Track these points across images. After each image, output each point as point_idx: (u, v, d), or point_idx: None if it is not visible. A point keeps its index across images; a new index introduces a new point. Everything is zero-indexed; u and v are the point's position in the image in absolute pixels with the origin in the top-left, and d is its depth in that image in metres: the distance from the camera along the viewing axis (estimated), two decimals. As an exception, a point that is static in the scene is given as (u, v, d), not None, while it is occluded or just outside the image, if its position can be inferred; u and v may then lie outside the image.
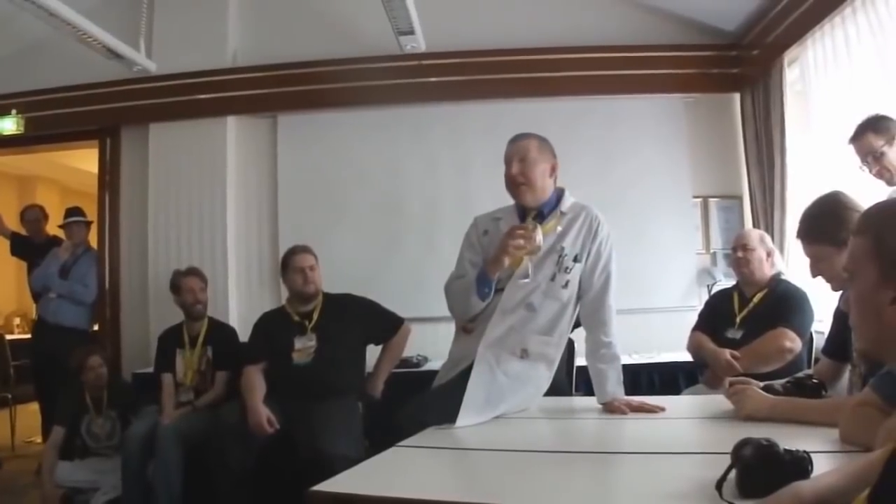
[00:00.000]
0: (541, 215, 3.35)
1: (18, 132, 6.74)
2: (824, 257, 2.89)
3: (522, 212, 3.39)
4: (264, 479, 4.26)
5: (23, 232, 7.24)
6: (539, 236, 3.13)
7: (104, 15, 5.96)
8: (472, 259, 3.41)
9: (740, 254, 4.28)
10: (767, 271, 4.25)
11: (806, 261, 3.05)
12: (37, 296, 6.78)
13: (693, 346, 4.41)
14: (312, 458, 3.79)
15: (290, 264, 4.72)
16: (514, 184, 3.32)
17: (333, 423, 4.08)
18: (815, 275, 3.00)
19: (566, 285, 3.29)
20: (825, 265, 2.90)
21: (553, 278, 3.27)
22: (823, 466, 1.69)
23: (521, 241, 3.10)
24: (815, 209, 3.00)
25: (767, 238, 4.39)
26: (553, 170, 3.38)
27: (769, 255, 4.27)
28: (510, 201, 3.43)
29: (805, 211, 3.05)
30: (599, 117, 6.31)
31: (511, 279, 3.25)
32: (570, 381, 4.05)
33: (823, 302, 3.95)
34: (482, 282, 3.23)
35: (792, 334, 3.89)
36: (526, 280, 3.24)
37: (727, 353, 4.00)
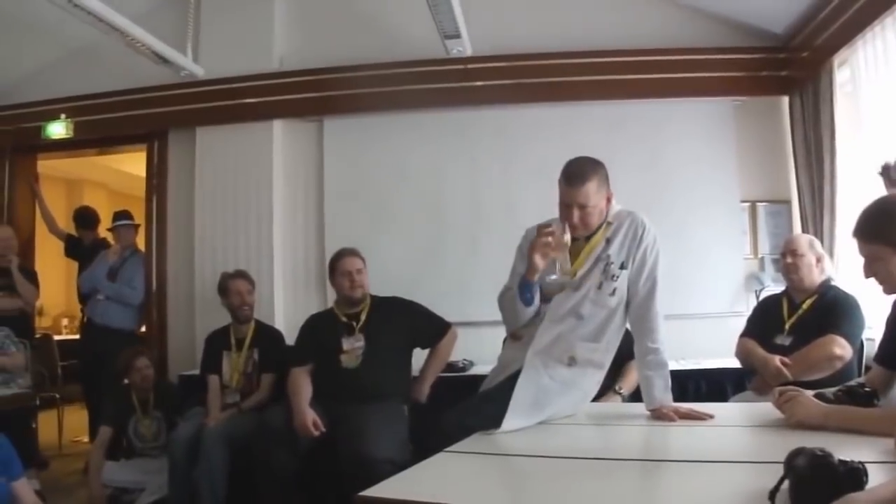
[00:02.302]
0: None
1: (68, 136, 6.85)
2: (880, 257, 2.82)
3: None
4: (309, 482, 4.28)
5: (75, 233, 7.34)
6: (568, 236, 3.13)
7: (152, 20, 6.05)
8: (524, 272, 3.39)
9: (790, 259, 4.23)
10: (817, 277, 4.20)
11: (857, 265, 3.00)
12: (85, 297, 6.85)
13: (742, 353, 4.37)
14: (357, 462, 3.78)
15: (338, 268, 4.72)
16: (572, 227, 3.21)
17: (379, 426, 4.07)
18: (868, 275, 2.93)
19: (613, 293, 3.26)
20: (880, 265, 2.83)
21: (600, 286, 3.25)
22: (879, 478, 1.66)
23: (549, 239, 3.09)
24: (874, 207, 2.93)
25: (817, 243, 4.33)
26: (608, 201, 3.31)
27: (819, 260, 4.22)
28: (555, 205, 3.38)
29: (864, 209, 2.98)
30: (647, 120, 6.25)
31: (560, 292, 3.26)
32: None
33: (875, 308, 3.88)
34: (523, 288, 3.22)
35: (842, 341, 3.83)
36: (554, 277, 3.23)
37: (777, 359, 3.95)
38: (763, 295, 5.47)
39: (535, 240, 3.14)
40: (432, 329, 4.78)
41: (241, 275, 5.46)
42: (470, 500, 2.00)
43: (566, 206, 3.22)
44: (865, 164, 4.93)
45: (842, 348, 3.82)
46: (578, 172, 3.20)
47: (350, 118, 6.57)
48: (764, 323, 4.38)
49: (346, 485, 3.67)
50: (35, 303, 6.66)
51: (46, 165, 8.06)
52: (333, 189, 6.56)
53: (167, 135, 6.86)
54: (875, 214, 2.88)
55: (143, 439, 5.19)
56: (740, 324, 4.59)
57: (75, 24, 5.31)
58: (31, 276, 6.39)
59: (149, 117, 6.71)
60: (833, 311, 4.02)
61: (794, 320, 4.18)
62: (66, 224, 7.57)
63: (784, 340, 4.13)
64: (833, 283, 4.26)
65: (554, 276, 3.23)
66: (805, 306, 4.17)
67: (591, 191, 3.18)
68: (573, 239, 3.27)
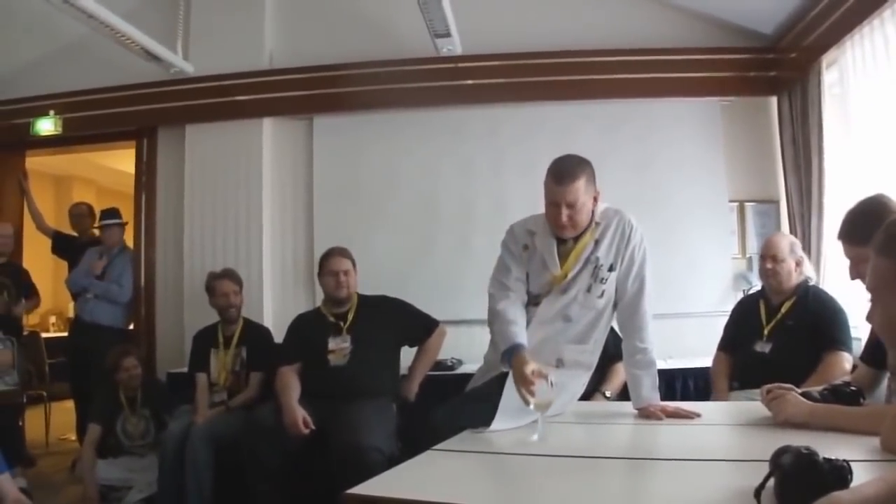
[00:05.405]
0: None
1: (56, 133, 6.83)
2: (865, 259, 2.84)
3: None
4: (297, 479, 4.27)
5: (63, 231, 7.32)
6: (552, 396, 2.85)
7: (142, 17, 6.04)
8: (518, 275, 3.33)
9: (769, 265, 4.20)
10: (795, 280, 4.19)
11: (844, 266, 3.01)
12: (75, 295, 6.84)
13: (713, 370, 4.50)
14: (346, 449, 3.83)
15: (325, 267, 4.73)
16: (561, 227, 3.21)
17: (368, 417, 4.11)
18: (854, 277, 2.95)
19: (602, 295, 3.28)
20: (866, 267, 2.86)
21: (589, 289, 3.26)
22: (863, 476, 1.67)
23: (531, 392, 2.83)
24: (858, 210, 2.95)
25: (798, 246, 4.30)
26: (595, 200, 3.28)
27: (798, 264, 4.20)
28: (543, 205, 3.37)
29: (848, 211, 3.00)
30: (635, 120, 6.27)
31: (549, 294, 3.26)
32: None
33: (862, 308, 3.89)
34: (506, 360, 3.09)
35: (848, 356, 3.85)
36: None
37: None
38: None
39: (520, 384, 2.90)
40: (420, 327, 4.79)
41: (228, 275, 5.44)
42: (459, 498, 1.99)
43: (554, 206, 3.19)
44: (853, 165, 4.95)
45: (849, 362, 3.82)
46: (567, 171, 3.17)
47: (340, 116, 6.57)
48: (742, 329, 4.41)
49: (335, 474, 3.71)
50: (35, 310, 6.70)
51: (35, 162, 8.05)
52: (323, 187, 6.55)
53: (156, 132, 6.85)
54: (859, 216, 2.90)
55: (130, 437, 5.17)
56: (728, 322, 4.63)
57: (64, 20, 5.29)
58: (29, 287, 6.44)
59: (138, 114, 6.69)
60: (826, 321, 4.01)
61: (773, 325, 4.18)
62: (54, 221, 7.54)
63: (763, 347, 4.14)
64: (811, 283, 4.28)
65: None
66: (783, 310, 4.16)
67: (580, 189, 3.15)
68: (561, 241, 3.28)
